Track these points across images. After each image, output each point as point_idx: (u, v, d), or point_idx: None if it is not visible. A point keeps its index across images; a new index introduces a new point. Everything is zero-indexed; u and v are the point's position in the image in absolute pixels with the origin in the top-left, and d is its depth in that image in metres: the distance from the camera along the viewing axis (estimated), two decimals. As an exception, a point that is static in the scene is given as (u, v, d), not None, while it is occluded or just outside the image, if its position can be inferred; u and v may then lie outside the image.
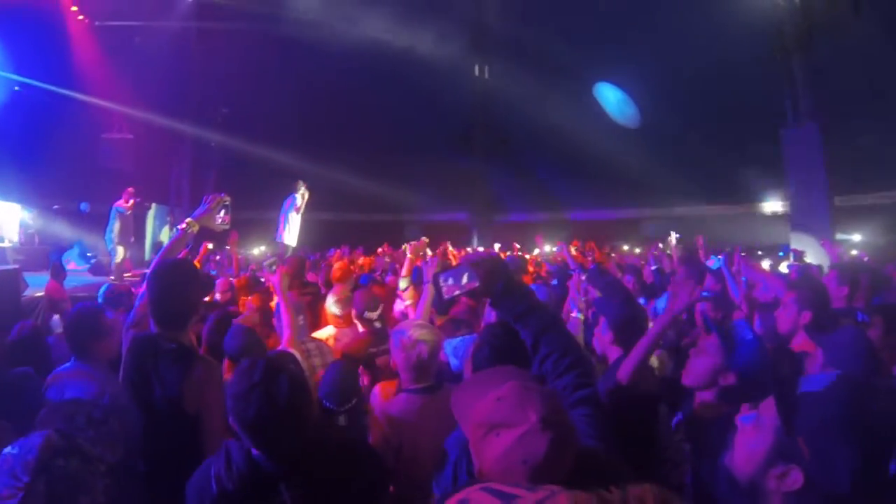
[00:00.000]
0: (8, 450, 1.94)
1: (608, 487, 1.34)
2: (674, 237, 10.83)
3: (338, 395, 3.14)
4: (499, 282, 2.10)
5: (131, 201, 12.95)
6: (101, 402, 3.20)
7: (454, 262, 7.97)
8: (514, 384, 1.54)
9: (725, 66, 18.38)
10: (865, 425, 1.64)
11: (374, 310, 4.55)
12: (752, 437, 1.70)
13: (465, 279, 2.10)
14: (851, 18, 13.85)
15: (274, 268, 4.05)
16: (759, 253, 15.85)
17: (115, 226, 12.72)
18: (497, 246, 16.74)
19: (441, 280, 2.16)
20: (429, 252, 10.16)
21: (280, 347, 3.72)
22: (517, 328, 2.17)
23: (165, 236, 19.40)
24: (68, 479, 1.92)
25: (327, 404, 3.12)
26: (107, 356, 3.48)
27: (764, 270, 8.75)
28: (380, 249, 14.25)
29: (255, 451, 2.06)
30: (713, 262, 6.34)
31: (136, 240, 17.77)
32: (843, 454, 1.54)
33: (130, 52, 18.75)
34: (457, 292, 2.14)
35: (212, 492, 2.01)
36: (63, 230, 15.73)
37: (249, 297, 5.16)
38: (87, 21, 18.55)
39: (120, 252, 12.64)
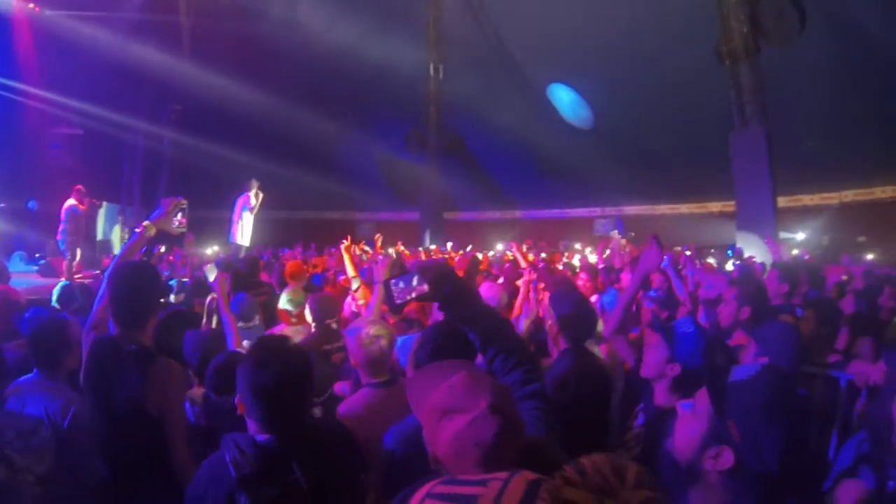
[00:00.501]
0: None
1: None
2: (616, 234, 11.05)
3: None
4: (447, 286, 2.20)
5: (86, 201, 12.52)
6: (67, 414, 3.19)
7: (406, 262, 8.07)
8: (465, 373, 1.64)
9: (677, 70, 18.80)
10: (790, 409, 1.76)
11: (333, 316, 4.64)
12: (689, 422, 1.82)
13: (415, 284, 2.20)
14: (797, 29, 14.32)
15: (213, 275, 4.07)
16: (712, 251, 16.30)
17: (69, 227, 12.22)
18: (449, 245, 16.79)
19: (392, 285, 2.25)
20: (382, 251, 10.22)
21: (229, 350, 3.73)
22: (465, 330, 2.28)
23: (116, 236, 19.00)
24: None
25: None
26: (71, 367, 3.41)
27: (710, 269, 9.05)
28: (338, 248, 14.12)
29: (260, 438, 2.19)
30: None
31: (86, 239, 17.60)
32: (770, 436, 1.64)
33: (82, 44, 18.15)
34: (408, 297, 2.23)
35: (231, 477, 2.09)
36: (9, 229, 15.29)
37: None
38: (36, 10, 17.93)
39: (75, 253, 12.22)
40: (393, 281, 2.26)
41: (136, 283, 3.00)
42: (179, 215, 3.66)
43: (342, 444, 2.45)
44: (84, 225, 12.74)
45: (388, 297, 2.29)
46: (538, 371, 2.21)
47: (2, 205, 14.84)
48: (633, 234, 13.02)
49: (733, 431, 1.70)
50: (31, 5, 17.58)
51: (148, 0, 19.95)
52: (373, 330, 3.17)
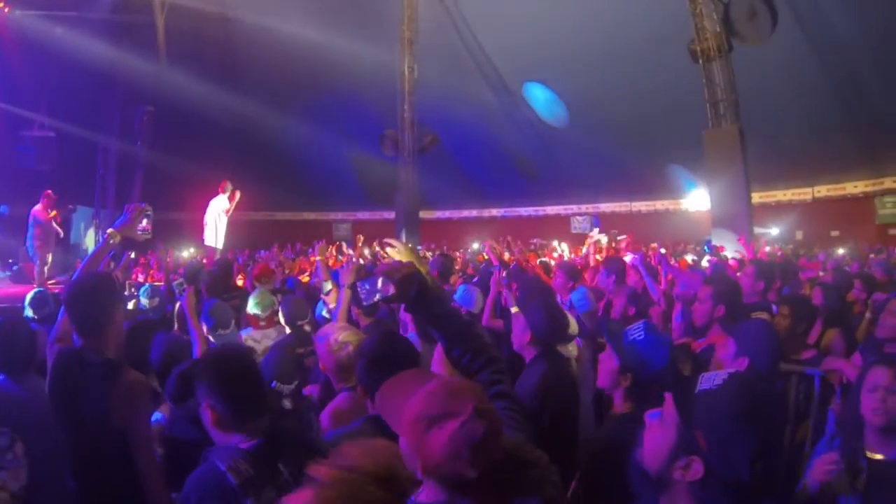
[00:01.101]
0: None
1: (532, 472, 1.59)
2: (597, 233, 11.10)
3: (283, 375, 3.22)
4: (413, 288, 2.20)
5: (53, 212, 12.15)
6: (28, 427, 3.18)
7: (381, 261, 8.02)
8: (440, 380, 1.68)
9: (652, 68, 18.91)
10: (761, 417, 1.75)
11: (305, 318, 4.59)
12: (657, 433, 1.81)
13: (380, 286, 2.19)
14: (769, 28, 14.49)
15: (181, 289, 4.03)
16: (691, 246, 16.42)
17: (36, 233, 11.89)
18: (420, 248, 16.75)
19: (359, 287, 2.26)
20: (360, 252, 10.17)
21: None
22: (432, 331, 2.31)
23: (90, 239, 18.82)
24: None
25: (273, 385, 3.19)
26: (32, 368, 3.40)
27: (685, 266, 9.09)
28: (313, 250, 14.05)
29: (245, 445, 2.25)
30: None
31: (60, 243, 17.32)
32: (740, 445, 1.63)
33: (53, 45, 17.86)
34: (374, 299, 2.23)
35: (230, 484, 2.13)
36: None
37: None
38: (6, 10, 17.63)
39: (45, 259, 11.94)
40: (359, 283, 2.27)
41: (90, 290, 2.98)
42: (144, 221, 3.62)
43: (314, 445, 2.43)
44: (53, 230, 12.31)
45: (357, 300, 2.29)
46: (504, 371, 2.22)
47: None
48: (615, 231, 13.00)
49: (701, 441, 1.69)
50: (1, 5, 17.27)
51: (119, 1, 19.67)
52: (342, 336, 3.16)
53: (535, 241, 19.45)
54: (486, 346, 2.24)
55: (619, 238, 11.32)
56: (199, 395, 2.32)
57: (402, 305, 2.78)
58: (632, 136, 20.87)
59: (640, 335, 2.70)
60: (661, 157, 21.05)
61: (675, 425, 1.77)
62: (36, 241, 11.83)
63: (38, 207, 12.00)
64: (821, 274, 8.49)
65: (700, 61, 15.08)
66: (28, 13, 17.72)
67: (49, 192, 12.25)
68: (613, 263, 6.21)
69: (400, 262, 2.33)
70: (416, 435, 1.58)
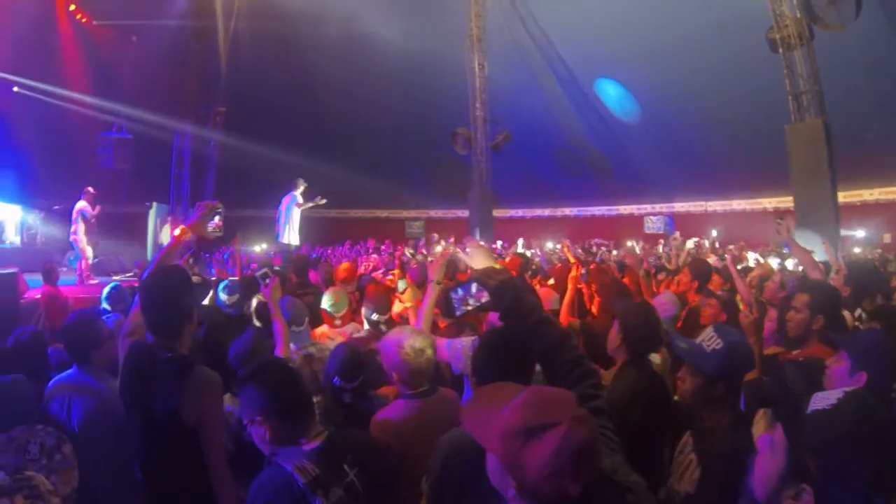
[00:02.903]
0: None
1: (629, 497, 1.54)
2: (678, 235, 10.78)
3: (346, 371, 3.18)
4: (508, 296, 2.10)
5: (97, 208, 12.57)
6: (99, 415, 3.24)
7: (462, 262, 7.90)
8: (532, 390, 1.58)
9: (727, 59, 18.31)
10: (880, 439, 1.59)
11: (384, 313, 4.53)
12: (767, 459, 1.69)
13: (475, 294, 2.13)
14: (853, 13, 13.71)
15: (267, 280, 4.00)
16: (770, 249, 15.82)
17: (79, 228, 12.33)
18: (499, 243, 16.66)
19: (452, 295, 2.19)
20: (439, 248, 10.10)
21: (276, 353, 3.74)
22: (527, 341, 2.21)
23: (166, 236, 19.41)
24: None
25: (336, 381, 3.18)
26: (106, 362, 3.48)
27: (767, 270, 8.71)
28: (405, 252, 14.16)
29: (307, 447, 2.28)
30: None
31: (137, 239, 18.23)
32: (855, 472, 1.50)
33: (129, 52, 18.64)
34: (467, 307, 2.16)
35: (299, 485, 2.16)
36: (64, 232, 15.71)
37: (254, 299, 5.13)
38: (85, 20, 18.49)
39: (88, 253, 12.38)
40: (452, 290, 2.21)
41: (165, 292, 2.93)
42: (216, 218, 3.62)
43: (374, 447, 2.58)
44: (94, 225, 12.77)
45: (446, 305, 2.20)
46: (600, 386, 2.12)
47: (56, 207, 15.17)
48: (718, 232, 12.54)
49: (812, 467, 1.54)
50: (79, 16, 18.05)
51: (190, 7, 20.22)
52: (414, 342, 3.02)
53: (594, 241, 19.18)
54: (581, 357, 2.12)
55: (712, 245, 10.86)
56: (245, 412, 2.32)
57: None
58: (707, 132, 20.28)
59: (718, 342, 2.56)
60: (738, 154, 20.38)
61: (784, 450, 1.64)
62: (77, 235, 12.27)
63: (82, 203, 12.42)
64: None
65: (780, 50, 14.44)
66: (104, 23, 18.46)
67: (91, 189, 12.67)
68: (699, 267, 5.96)
69: (494, 267, 2.21)
70: (512, 451, 1.47)
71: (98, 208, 12.66)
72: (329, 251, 15.59)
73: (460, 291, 2.16)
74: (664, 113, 21.03)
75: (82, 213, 12.36)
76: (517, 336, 2.35)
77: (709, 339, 2.60)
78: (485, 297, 2.11)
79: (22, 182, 16.88)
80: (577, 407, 1.50)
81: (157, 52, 18.93)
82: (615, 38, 20.01)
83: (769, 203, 22.56)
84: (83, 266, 12.27)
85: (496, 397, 1.62)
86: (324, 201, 13.86)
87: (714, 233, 11.61)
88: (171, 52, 19.33)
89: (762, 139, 16.99)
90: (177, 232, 3.40)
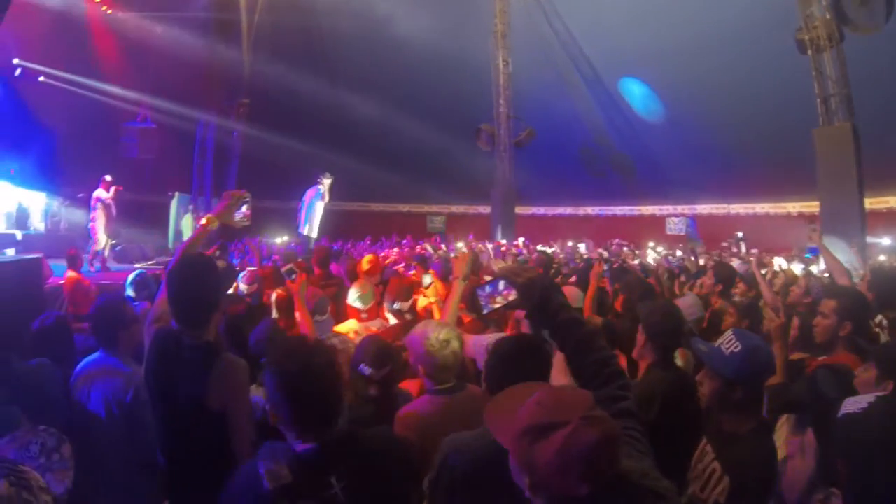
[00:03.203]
0: None
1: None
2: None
3: (374, 358, 3.09)
4: (536, 294, 2.08)
5: (112, 189, 13.00)
6: (128, 389, 3.28)
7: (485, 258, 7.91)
8: (547, 389, 1.58)
9: (754, 60, 18.10)
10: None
11: (406, 300, 4.51)
12: (797, 462, 1.67)
13: (502, 291, 2.09)
14: (884, 15, 13.49)
15: (294, 276, 3.99)
16: (794, 254, 15.61)
17: (97, 214, 12.82)
18: (521, 240, 16.63)
19: (479, 293, 2.15)
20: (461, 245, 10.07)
21: None
22: (554, 340, 2.17)
23: (187, 225, 19.63)
24: None
25: (362, 368, 3.09)
26: (131, 347, 3.49)
27: (792, 276, 8.61)
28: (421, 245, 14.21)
29: (299, 447, 2.05)
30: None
31: (158, 228, 18.59)
32: (885, 476, 1.48)
33: (153, 43, 18.83)
34: (495, 304, 2.12)
35: (263, 489, 1.95)
36: (87, 219, 16.01)
37: (275, 290, 5.13)
38: (111, 12, 18.70)
39: (102, 241, 12.78)
40: (479, 288, 2.17)
41: (192, 282, 2.90)
42: (244, 208, 3.60)
43: (389, 455, 2.25)
44: (112, 213, 13.20)
45: (473, 302, 2.18)
46: (629, 388, 2.07)
47: (80, 195, 15.37)
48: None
49: (842, 470, 1.53)
50: (105, 8, 18.25)
51: (211, 4, 20.38)
52: (442, 334, 2.99)
53: (615, 241, 19.03)
54: (610, 358, 2.08)
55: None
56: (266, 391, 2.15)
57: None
58: (732, 133, 20.05)
59: (737, 345, 2.50)
60: (763, 156, 20.14)
61: (815, 454, 1.63)
62: (95, 222, 12.80)
63: (100, 190, 12.90)
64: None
65: (809, 52, 14.25)
66: (129, 14, 18.68)
67: (109, 177, 13.14)
68: (723, 270, 5.89)
69: (523, 265, 2.20)
70: (522, 449, 1.48)
71: (114, 189, 13.06)
72: (350, 245, 15.64)
73: (488, 289, 2.12)
74: (689, 112, 20.82)
75: (100, 200, 12.83)
76: (530, 347, 2.35)
77: (728, 341, 2.56)
78: (512, 295, 2.08)
79: (47, 170, 17.22)
80: (591, 408, 1.49)
81: (181, 43, 19.07)
82: (640, 36, 19.87)
83: (793, 207, 22.31)
84: (91, 251, 12.65)
85: (519, 396, 1.61)
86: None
87: (740, 235, 11.46)
88: (195, 43, 19.47)
89: (788, 141, 16.78)
90: (203, 220, 3.39)
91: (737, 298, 5.88)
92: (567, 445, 1.41)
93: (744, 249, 12.17)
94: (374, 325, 4.64)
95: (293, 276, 4.04)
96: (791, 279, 7.87)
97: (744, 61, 18.52)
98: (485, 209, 23.40)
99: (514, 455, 1.52)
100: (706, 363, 2.61)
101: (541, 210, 27.66)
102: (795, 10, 14.32)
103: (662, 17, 19.39)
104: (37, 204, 16.96)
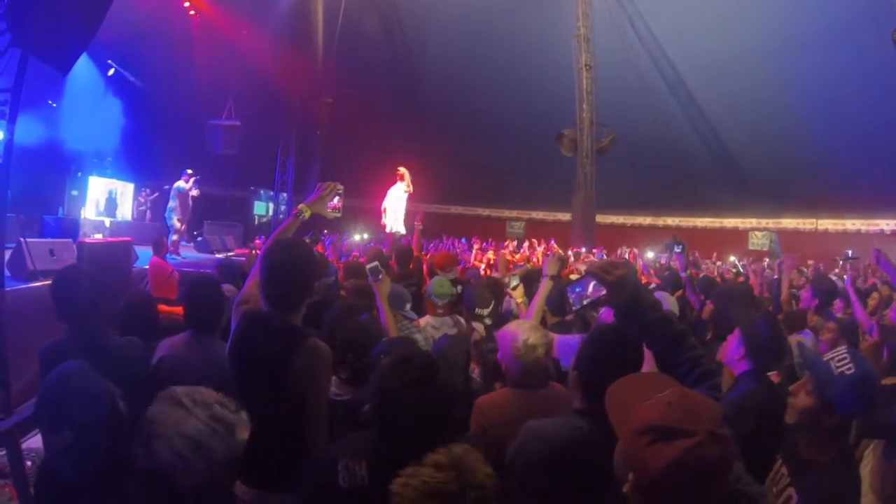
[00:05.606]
0: None
1: None
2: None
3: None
4: (627, 292, 2.03)
5: (191, 181, 14.03)
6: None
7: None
8: (679, 390, 1.52)
9: (849, 61, 17.31)
10: None
11: (486, 306, 4.46)
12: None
13: (591, 289, 2.06)
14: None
15: (380, 276, 4.01)
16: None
17: (174, 204, 13.80)
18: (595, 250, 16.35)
19: (568, 291, 2.13)
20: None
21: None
22: (644, 339, 2.15)
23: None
24: None
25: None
26: (220, 328, 3.56)
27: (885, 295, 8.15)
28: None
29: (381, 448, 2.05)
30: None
31: (240, 222, 19.73)
32: None
33: (240, 43, 19.40)
34: (584, 302, 2.10)
35: (338, 486, 1.99)
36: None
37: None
38: (199, 13, 19.37)
39: (177, 227, 13.74)
40: (569, 287, 2.16)
41: (288, 264, 2.89)
42: (336, 199, 3.60)
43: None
44: (189, 204, 14.26)
45: (559, 302, 2.10)
46: (720, 388, 2.05)
47: (166, 187, 16.01)
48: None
49: None
50: (193, 13, 18.96)
51: (295, 7, 20.77)
52: (531, 338, 3.00)
53: (695, 253, 18.45)
54: (701, 357, 2.04)
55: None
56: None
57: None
58: (820, 142, 19.18)
59: (850, 367, 2.24)
60: (855, 168, 19.16)
61: None
62: (174, 212, 13.82)
63: (180, 182, 13.99)
64: None
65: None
66: (218, 11, 19.51)
67: (189, 170, 14.25)
68: (821, 284, 5.57)
69: (612, 261, 2.11)
70: (639, 445, 1.41)
71: (192, 181, 14.18)
72: (432, 245, 15.74)
73: (577, 288, 2.10)
74: (774, 120, 20.08)
75: (179, 190, 13.86)
76: (631, 338, 2.26)
77: (840, 359, 2.28)
78: (602, 293, 2.05)
79: (136, 162, 18.27)
80: (719, 423, 1.40)
81: (267, 41, 19.59)
82: (725, 40, 19.31)
83: (887, 225, 21.24)
84: (172, 241, 13.37)
85: (645, 387, 1.56)
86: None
87: (850, 253, 10.85)
88: (280, 41, 19.93)
89: (883, 153, 15.98)
90: (295, 210, 3.41)
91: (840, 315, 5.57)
92: (687, 458, 1.33)
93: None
94: (449, 322, 4.61)
95: (379, 277, 4.03)
96: (887, 299, 7.51)
97: (835, 65, 17.71)
98: (564, 216, 23.12)
99: (627, 449, 1.46)
100: (813, 375, 2.34)
101: (619, 219, 27.12)
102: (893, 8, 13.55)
103: (748, 18, 18.77)
104: (126, 194, 18.01)
